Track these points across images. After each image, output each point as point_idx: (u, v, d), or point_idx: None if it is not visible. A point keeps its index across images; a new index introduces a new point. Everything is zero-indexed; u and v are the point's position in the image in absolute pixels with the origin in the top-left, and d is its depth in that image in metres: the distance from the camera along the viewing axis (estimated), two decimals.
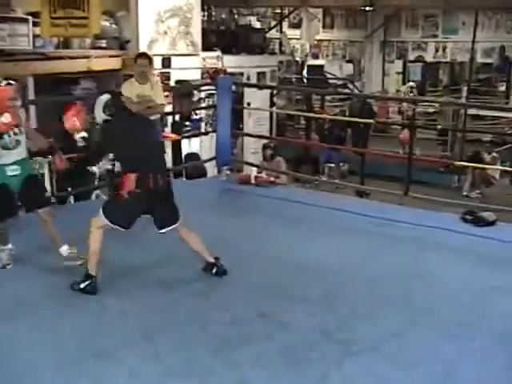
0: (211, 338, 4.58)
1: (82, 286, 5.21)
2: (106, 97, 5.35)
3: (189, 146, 11.48)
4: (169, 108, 11.21)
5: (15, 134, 5.55)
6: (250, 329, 4.74)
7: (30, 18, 10.73)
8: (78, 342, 4.52)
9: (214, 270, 5.57)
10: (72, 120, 7.74)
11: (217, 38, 14.68)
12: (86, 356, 4.31)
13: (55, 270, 5.66)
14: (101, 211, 5.23)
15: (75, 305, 5.07)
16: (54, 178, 8.63)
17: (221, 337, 4.60)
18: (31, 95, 10.57)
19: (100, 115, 5.32)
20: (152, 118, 7.23)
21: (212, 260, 5.56)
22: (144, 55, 7.78)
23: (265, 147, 10.19)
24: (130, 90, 7.36)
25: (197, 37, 12.66)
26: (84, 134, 9.03)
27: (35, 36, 10.78)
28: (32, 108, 10.55)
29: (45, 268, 5.73)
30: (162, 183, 5.25)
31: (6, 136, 5.47)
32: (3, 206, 5.64)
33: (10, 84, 5.53)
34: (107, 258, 5.33)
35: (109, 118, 5.29)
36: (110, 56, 11.79)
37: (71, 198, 9.03)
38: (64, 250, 5.75)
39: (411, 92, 19.50)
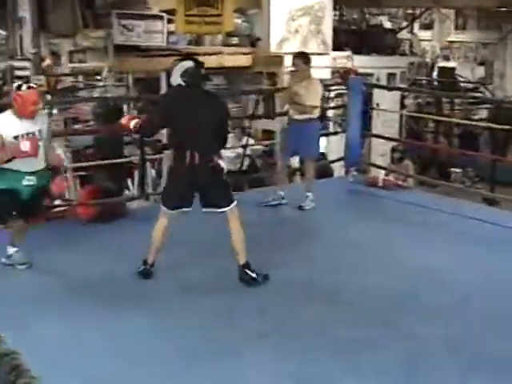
0: (331, 342, 4.50)
1: (139, 269, 5.42)
2: (189, 64, 5.26)
3: None
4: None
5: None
6: (372, 335, 4.61)
7: (164, 15, 10.97)
8: (199, 337, 4.54)
9: (239, 272, 5.37)
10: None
11: (347, 37, 14.55)
12: (206, 352, 4.32)
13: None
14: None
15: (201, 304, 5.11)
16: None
17: (341, 341, 4.51)
18: (164, 90, 10.79)
19: (176, 78, 5.27)
20: (305, 117, 7.41)
21: (241, 263, 5.37)
22: (298, 55, 7.81)
23: (393, 150, 9.98)
24: (291, 84, 7.64)
25: (328, 36, 12.57)
26: None
27: (169, 33, 11.02)
28: None
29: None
30: (206, 164, 5.21)
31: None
32: (8, 209, 5.43)
33: (31, 88, 5.30)
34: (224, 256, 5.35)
35: (182, 83, 5.23)
36: (241, 53, 11.89)
37: None
38: (12, 250, 5.63)
39: None
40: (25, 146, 5.23)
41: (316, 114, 7.55)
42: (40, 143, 5.34)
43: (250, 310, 4.98)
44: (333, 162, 9.90)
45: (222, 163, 5.40)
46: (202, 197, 5.34)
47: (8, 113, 5.32)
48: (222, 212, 5.35)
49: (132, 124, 5.41)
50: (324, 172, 9.95)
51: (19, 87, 5.28)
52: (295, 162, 9.37)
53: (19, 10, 11.27)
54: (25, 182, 5.32)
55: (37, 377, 1.53)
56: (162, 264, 5.52)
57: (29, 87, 5.29)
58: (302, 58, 7.63)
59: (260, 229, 6.63)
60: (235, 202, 5.37)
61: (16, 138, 5.20)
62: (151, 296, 5.20)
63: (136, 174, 8.86)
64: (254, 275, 5.32)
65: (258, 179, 10.33)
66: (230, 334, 4.58)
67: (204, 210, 5.38)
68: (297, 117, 7.54)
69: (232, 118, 11.52)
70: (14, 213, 5.48)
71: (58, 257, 5.90)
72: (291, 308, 5.00)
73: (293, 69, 7.76)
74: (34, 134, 5.29)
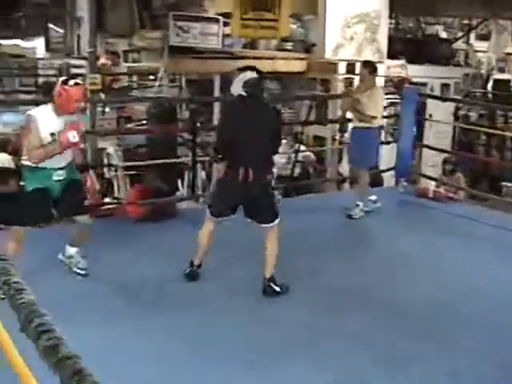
0: (377, 351, 4.47)
1: (185, 271, 5.47)
2: (251, 74, 5.19)
3: None
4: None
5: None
6: (422, 346, 4.55)
7: (220, 18, 11.02)
8: (244, 340, 4.54)
9: (263, 285, 5.29)
10: None
11: (402, 46, 14.44)
12: (252, 356, 4.32)
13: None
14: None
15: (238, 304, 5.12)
16: None
17: (387, 351, 4.48)
18: (216, 93, 10.85)
19: (237, 88, 5.20)
20: (364, 125, 7.42)
21: (267, 276, 5.28)
22: (364, 64, 7.81)
23: (445, 161, 9.87)
24: (356, 92, 7.67)
25: (383, 44, 12.50)
26: None
27: (224, 35, 11.07)
28: (216, 105, 10.87)
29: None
30: (259, 181, 5.16)
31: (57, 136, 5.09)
32: (39, 211, 5.28)
33: (78, 84, 5.15)
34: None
35: (243, 93, 5.16)
36: (295, 58, 11.89)
37: None
38: (72, 249, 5.56)
39: None
40: (74, 136, 5.09)
41: (375, 123, 7.53)
42: None
43: (291, 316, 4.97)
44: (383, 171, 9.81)
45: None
46: (248, 208, 5.32)
47: (47, 107, 5.17)
48: (263, 227, 5.32)
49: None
50: (374, 181, 9.88)
51: (66, 82, 5.11)
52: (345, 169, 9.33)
53: (77, 10, 11.45)
54: (55, 177, 5.22)
55: (99, 382, 1.52)
56: (209, 265, 5.54)
57: (76, 83, 5.14)
58: (368, 67, 7.62)
59: (309, 236, 6.62)
60: (278, 219, 5.30)
61: (52, 134, 5.07)
62: (197, 297, 5.23)
63: (186, 175, 8.90)
64: (277, 289, 5.27)
65: (306, 186, 10.30)
66: (272, 341, 4.57)
67: (247, 219, 5.35)
68: (357, 124, 7.59)
69: (285, 124, 11.54)
70: (52, 211, 5.39)
71: (107, 255, 5.96)
72: (335, 316, 4.97)
73: (361, 78, 7.72)
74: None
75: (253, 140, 5.15)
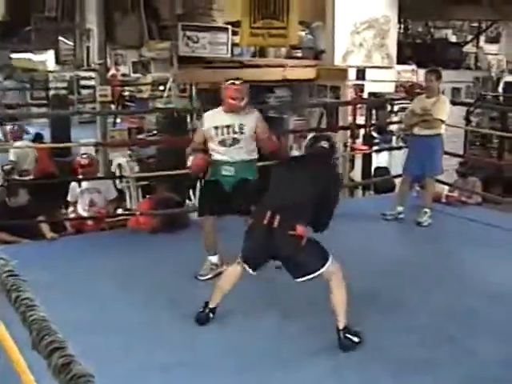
0: (392, 359, 4.42)
1: (199, 311, 4.88)
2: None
3: (376, 159, 11.33)
4: (361, 120, 11.13)
5: (234, 132, 5.51)
6: (436, 353, 4.52)
7: (229, 27, 11.04)
8: (261, 349, 4.54)
9: (338, 336, 4.55)
10: None
11: (412, 51, 14.41)
12: (268, 364, 4.32)
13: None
14: None
15: (262, 315, 5.09)
16: None
17: (402, 359, 4.43)
18: None
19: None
20: (431, 133, 7.45)
21: (341, 327, 4.54)
22: (431, 71, 7.86)
23: (461, 165, 9.82)
24: (418, 103, 7.69)
25: (392, 49, 12.49)
26: None
27: (233, 44, 11.09)
28: None
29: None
30: (284, 231, 4.48)
31: (220, 131, 5.50)
32: (207, 202, 5.72)
33: (233, 84, 5.49)
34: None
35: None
36: (305, 66, 11.89)
37: None
38: (213, 258, 5.77)
39: None
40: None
41: (441, 130, 7.57)
42: (238, 136, 5.52)
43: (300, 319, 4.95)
44: (396, 176, 9.78)
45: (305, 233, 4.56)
46: (285, 264, 4.64)
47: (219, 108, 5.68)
48: (315, 277, 4.56)
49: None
50: (386, 186, 9.85)
51: (226, 81, 5.56)
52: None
53: (86, 22, 11.50)
54: (223, 172, 5.57)
55: None
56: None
57: (232, 83, 5.50)
58: (435, 73, 7.67)
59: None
60: (329, 261, 4.54)
61: (216, 128, 5.54)
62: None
63: (198, 184, 8.90)
64: (356, 340, 4.57)
65: None
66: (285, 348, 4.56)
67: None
68: (423, 132, 7.53)
69: (296, 132, 11.53)
70: (221, 204, 5.58)
71: (118, 266, 5.98)
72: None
73: (428, 84, 7.75)
74: (230, 126, 5.53)
75: (287, 186, 4.75)
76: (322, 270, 4.50)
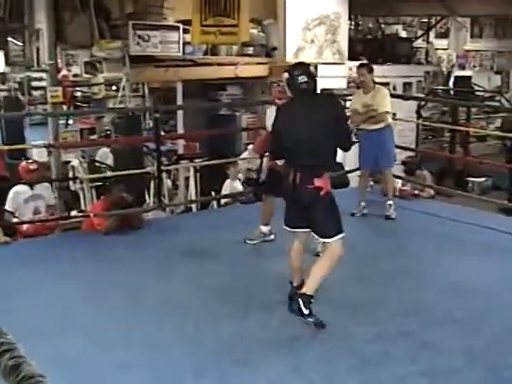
0: (352, 354, 4.47)
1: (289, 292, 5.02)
2: (286, 75, 4.95)
3: None
4: None
5: None
6: (393, 347, 4.57)
7: (180, 25, 10.99)
8: (218, 347, 4.53)
9: (290, 298, 4.93)
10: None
11: (363, 46, 14.52)
12: (226, 362, 4.32)
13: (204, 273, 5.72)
14: None
15: (220, 313, 5.09)
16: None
17: (362, 354, 4.47)
18: (179, 100, 10.82)
19: (288, 92, 5.02)
20: (380, 126, 7.53)
21: (303, 291, 4.71)
22: (361, 65, 7.89)
23: (408, 159, 9.93)
24: (357, 101, 7.73)
25: (343, 45, 12.55)
26: None
27: (185, 43, 11.04)
28: (179, 113, 10.84)
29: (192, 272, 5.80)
30: (305, 187, 4.69)
31: None
32: (271, 185, 6.15)
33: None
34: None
35: (291, 95, 4.96)
36: (257, 63, 11.90)
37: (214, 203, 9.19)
38: (263, 228, 6.51)
39: None
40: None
41: (389, 120, 7.65)
42: None
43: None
44: (349, 172, 9.84)
45: (327, 185, 4.75)
46: (309, 219, 4.83)
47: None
48: (323, 242, 4.89)
49: None
50: (340, 182, 9.89)
51: None
52: None
53: (36, 22, 11.35)
54: None
55: None
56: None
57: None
58: (367, 67, 7.73)
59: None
60: (340, 236, 4.74)
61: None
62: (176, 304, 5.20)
63: (152, 184, 8.86)
64: (306, 312, 4.64)
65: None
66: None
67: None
68: (372, 127, 7.58)
69: (251, 129, 11.52)
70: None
71: (74, 268, 5.93)
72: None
73: (360, 79, 7.75)
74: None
75: (301, 139, 4.72)
76: (335, 238, 4.72)
